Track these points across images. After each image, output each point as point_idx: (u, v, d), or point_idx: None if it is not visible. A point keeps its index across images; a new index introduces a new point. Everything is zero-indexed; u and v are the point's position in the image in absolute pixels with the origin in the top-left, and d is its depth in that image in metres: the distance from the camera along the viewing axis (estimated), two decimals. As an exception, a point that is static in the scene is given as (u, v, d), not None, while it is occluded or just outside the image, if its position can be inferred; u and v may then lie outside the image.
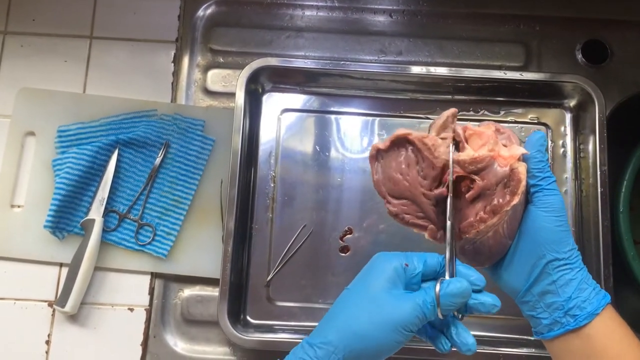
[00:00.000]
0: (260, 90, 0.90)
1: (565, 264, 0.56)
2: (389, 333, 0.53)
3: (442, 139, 0.57)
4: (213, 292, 0.84)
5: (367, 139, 0.90)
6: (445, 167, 0.57)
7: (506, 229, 0.57)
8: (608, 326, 0.56)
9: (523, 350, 0.81)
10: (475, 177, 0.56)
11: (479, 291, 0.56)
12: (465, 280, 0.54)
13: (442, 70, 0.87)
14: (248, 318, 0.84)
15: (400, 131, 0.58)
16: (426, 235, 0.58)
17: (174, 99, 0.90)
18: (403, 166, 0.58)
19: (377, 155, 0.59)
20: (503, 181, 0.56)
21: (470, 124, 0.59)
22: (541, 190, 0.57)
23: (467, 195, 0.57)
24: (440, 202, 0.58)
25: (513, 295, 0.60)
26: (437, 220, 0.58)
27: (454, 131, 0.58)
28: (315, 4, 0.94)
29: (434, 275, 0.57)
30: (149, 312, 0.84)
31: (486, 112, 0.90)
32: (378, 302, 0.54)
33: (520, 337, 0.83)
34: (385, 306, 0.53)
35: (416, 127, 0.89)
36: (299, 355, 0.54)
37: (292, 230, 0.86)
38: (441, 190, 0.57)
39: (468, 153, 0.57)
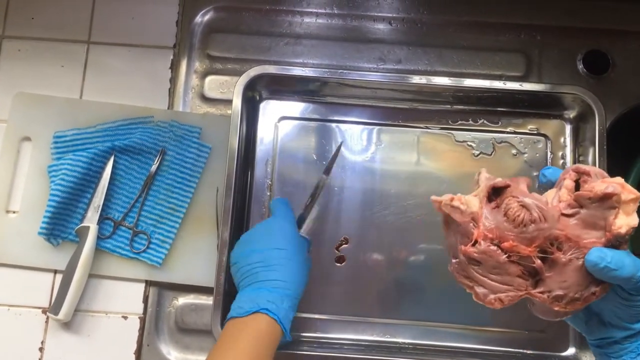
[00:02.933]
0: (257, 97, 0.90)
1: None
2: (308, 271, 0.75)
3: (474, 196, 0.57)
4: (207, 300, 0.84)
5: (365, 148, 0.89)
6: (475, 218, 0.55)
7: None
8: None
9: (518, 364, 0.81)
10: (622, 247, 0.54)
11: None
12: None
13: (441, 80, 0.86)
14: (242, 327, 0.83)
15: (434, 200, 0.58)
16: (474, 296, 0.57)
17: (170, 105, 0.90)
18: (450, 236, 0.59)
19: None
20: None
21: (622, 181, 0.54)
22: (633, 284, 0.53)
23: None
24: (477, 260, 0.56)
25: (588, 338, 0.60)
26: (478, 279, 0.56)
27: (613, 190, 0.53)
28: (314, 10, 0.94)
29: None
30: (142, 320, 0.83)
31: (485, 122, 0.90)
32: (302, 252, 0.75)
33: (516, 350, 0.83)
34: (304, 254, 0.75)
35: (416, 135, 0.89)
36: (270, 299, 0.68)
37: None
38: (467, 248, 0.55)
39: (629, 222, 0.53)
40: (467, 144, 0.89)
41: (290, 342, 0.73)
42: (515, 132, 0.89)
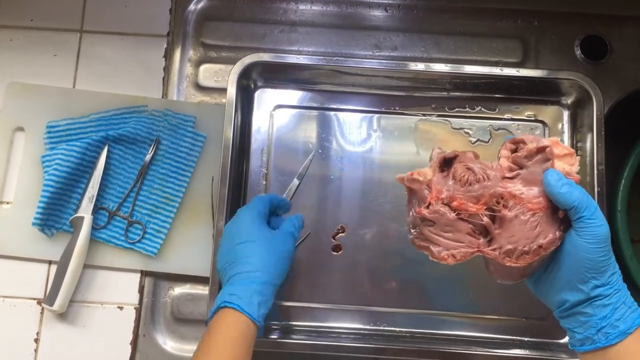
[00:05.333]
0: (252, 86, 0.89)
1: (605, 290, 0.56)
2: (287, 260, 0.73)
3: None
4: (204, 290, 0.83)
5: (361, 136, 0.88)
6: (429, 184, 0.60)
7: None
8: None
9: (516, 352, 0.80)
10: None
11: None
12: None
13: (437, 67, 0.86)
14: (239, 317, 0.83)
15: (398, 178, 0.62)
16: (429, 255, 0.61)
17: (165, 94, 0.89)
18: (410, 210, 0.63)
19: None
20: None
21: (557, 139, 0.60)
22: (584, 220, 0.56)
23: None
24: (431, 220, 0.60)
25: (550, 307, 0.62)
26: (432, 238, 0.60)
27: (541, 146, 0.59)
28: (309, -3, 0.93)
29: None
30: (138, 310, 0.83)
31: (482, 109, 0.89)
32: (273, 242, 0.72)
33: (514, 337, 0.82)
34: (278, 244, 0.72)
35: (413, 123, 0.88)
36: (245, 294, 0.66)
37: (284, 228, 0.85)
38: (421, 209, 0.59)
39: (566, 168, 0.58)
40: (464, 131, 0.88)
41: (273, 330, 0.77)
42: (512, 119, 0.89)
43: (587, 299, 0.57)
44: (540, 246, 0.57)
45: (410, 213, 0.62)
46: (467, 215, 0.58)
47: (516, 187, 0.58)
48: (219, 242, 0.76)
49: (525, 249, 0.57)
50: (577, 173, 0.59)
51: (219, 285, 0.77)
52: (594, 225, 0.55)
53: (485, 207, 0.58)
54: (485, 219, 0.58)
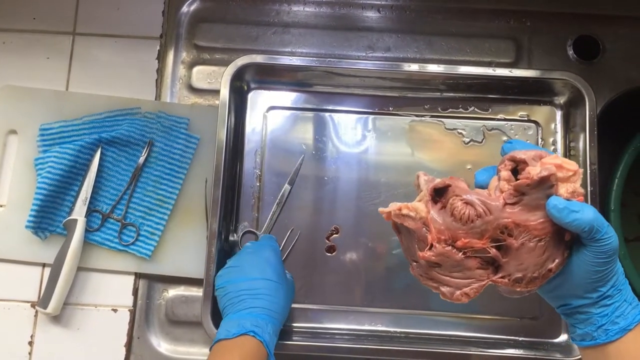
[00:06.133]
0: (245, 87, 0.89)
1: (609, 292, 0.56)
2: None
3: (418, 201, 0.58)
4: (198, 292, 0.83)
5: (355, 137, 0.88)
6: (426, 223, 0.56)
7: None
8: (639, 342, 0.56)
9: (511, 351, 0.80)
10: None
11: None
12: None
13: (430, 68, 0.86)
14: (233, 319, 0.83)
15: (382, 212, 0.59)
16: (440, 295, 0.59)
17: (158, 96, 0.89)
18: (404, 240, 0.61)
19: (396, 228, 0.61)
20: None
21: (560, 161, 0.55)
22: (596, 240, 0.54)
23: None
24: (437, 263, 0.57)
25: (552, 305, 0.61)
26: (442, 279, 0.58)
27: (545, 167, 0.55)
28: (302, -1, 0.93)
29: None
30: (132, 312, 0.83)
31: (476, 109, 0.89)
32: (289, 289, 0.78)
33: (508, 337, 0.82)
34: (290, 291, 0.78)
35: (406, 123, 0.88)
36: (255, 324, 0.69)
37: (277, 230, 0.85)
38: (425, 254, 0.56)
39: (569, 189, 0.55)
40: (457, 132, 0.88)
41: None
42: (505, 119, 0.89)
43: (591, 303, 0.57)
44: (549, 270, 0.56)
45: (404, 245, 0.61)
46: (473, 251, 0.56)
47: (519, 215, 0.55)
48: (229, 260, 0.77)
49: (535, 275, 0.56)
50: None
51: (213, 287, 0.78)
52: (606, 243, 0.54)
53: (490, 240, 0.56)
54: (494, 251, 0.56)
